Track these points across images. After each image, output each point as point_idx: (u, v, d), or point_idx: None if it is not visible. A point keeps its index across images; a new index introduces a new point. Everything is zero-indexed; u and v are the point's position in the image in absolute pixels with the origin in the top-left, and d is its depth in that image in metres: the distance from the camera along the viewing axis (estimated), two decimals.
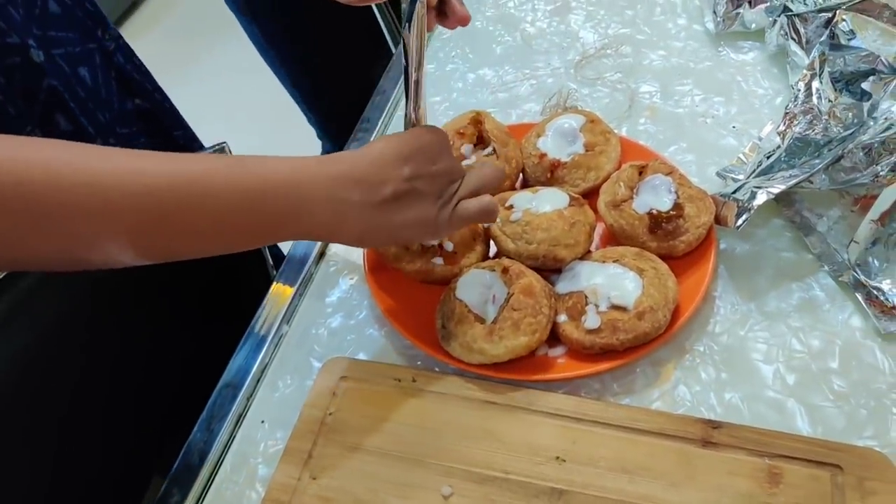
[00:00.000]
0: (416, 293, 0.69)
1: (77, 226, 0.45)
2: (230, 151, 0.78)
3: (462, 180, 0.60)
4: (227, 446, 0.63)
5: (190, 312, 0.81)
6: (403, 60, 0.61)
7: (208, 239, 0.51)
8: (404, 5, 0.58)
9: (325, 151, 1.69)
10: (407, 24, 0.58)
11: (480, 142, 0.76)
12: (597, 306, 0.62)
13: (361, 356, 0.68)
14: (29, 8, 0.68)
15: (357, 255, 0.74)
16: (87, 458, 0.73)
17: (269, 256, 0.86)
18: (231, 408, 0.64)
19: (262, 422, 0.64)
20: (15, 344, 0.66)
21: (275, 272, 0.87)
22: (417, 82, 0.62)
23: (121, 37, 0.81)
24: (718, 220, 0.68)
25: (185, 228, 0.49)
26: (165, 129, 0.86)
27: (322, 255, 0.77)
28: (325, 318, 0.71)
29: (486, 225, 0.69)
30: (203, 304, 0.82)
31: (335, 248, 0.77)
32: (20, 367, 0.66)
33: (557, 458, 0.57)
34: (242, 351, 0.69)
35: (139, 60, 0.83)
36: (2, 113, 0.67)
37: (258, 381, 0.67)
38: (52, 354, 0.69)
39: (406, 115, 0.63)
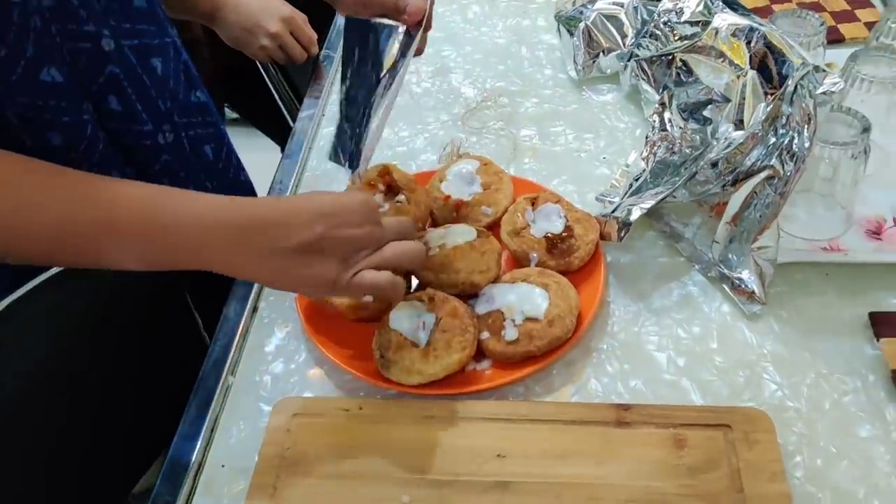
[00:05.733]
0: (349, 332, 0.75)
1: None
2: None
3: (376, 251, 0.63)
4: (191, 492, 0.67)
5: (128, 367, 0.84)
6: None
7: (115, 256, 0.58)
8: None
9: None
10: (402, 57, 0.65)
11: (390, 191, 0.84)
12: (513, 321, 0.71)
13: (307, 395, 0.73)
14: (111, 1, 0.73)
15: (289, 306, 0.80)
16: None
17: (198, 315, 0.90)
18: (191, 457, 0.68)
19: (223, 466, 0.68)
20: None
21: (205, 331, 0.92)
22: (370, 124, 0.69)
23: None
24: (603, 236, 0.79)
25: (98, 246, 0.57)
26: (214, 121, 0.92)
27: (255, 309, 0.82)
28: (266, 366, 0.76)
29: None
30: (139, 359, 0.85)
31: (265, 302, 0.83)
32: None
33: (498, 455, 0.65)
34: (194, 403, 0.73)
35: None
36: (62, 89, 0.71)
37: (213, 429, 0.71)
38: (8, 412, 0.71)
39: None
